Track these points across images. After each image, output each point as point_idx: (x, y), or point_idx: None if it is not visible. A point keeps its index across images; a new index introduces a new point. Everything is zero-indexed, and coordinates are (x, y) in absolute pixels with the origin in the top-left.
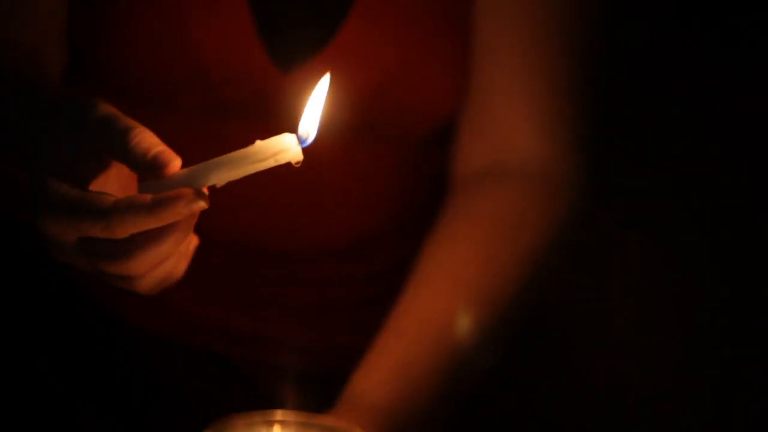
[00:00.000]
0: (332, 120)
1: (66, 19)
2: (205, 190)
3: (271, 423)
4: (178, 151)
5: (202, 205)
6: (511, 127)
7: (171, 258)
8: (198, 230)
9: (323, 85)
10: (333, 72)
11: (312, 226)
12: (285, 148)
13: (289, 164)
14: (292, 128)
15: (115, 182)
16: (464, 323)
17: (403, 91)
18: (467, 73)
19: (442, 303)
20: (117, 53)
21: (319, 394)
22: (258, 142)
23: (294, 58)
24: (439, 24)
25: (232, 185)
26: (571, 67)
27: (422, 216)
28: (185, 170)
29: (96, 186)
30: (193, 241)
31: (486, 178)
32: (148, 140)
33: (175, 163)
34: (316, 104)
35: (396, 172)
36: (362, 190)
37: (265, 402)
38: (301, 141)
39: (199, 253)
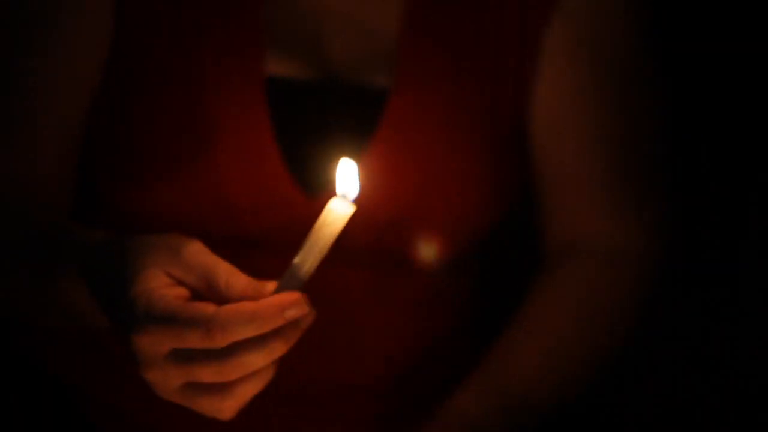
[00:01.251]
0: (359, 245)
1: (74, 153)
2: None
3: None
4: None
5: (303, 310)
6: (588, 211)
7: (264, 372)
8: None
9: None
10: (359, 195)
11: (339, 361)
12: (338, 207)
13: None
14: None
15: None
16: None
17: (428, 212)
18: (496, 189)
19: (526, 367)
20: (142, 186)
21: None
22: (317, 223)
23: (320, 185)
24: (464, 141)
25: None
26: (642, 147)
27: (451, 350)
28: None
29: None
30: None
31: (567, 259)
32: (239, 283)
33: (268, 289)
34: (344, 168)
35: (426, 305)
36: (391, 323)
37: None
38: (347, 198)
39: None
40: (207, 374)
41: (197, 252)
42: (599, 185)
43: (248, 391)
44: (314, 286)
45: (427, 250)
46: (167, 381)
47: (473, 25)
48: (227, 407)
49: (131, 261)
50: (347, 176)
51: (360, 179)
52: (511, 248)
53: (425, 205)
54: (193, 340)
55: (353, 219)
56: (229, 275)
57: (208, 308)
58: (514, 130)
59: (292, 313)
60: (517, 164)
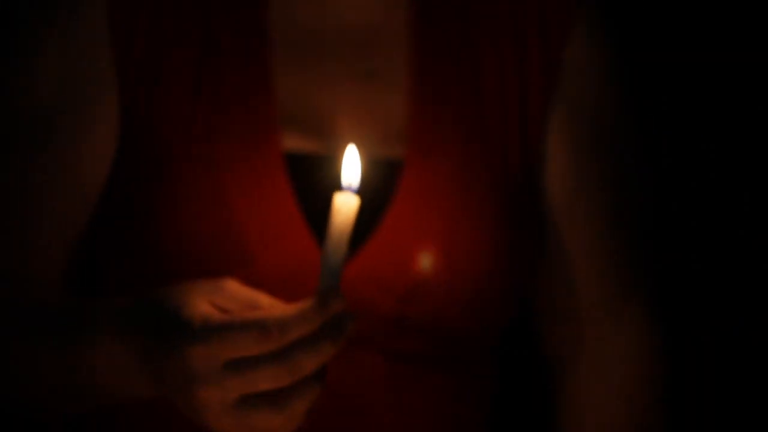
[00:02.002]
0: (378, 316)
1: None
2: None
3: None
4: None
5: (343, 302)
6: (591, 294)
7: (314, 385)
8: None
9: (351, 153)
10: (375, 263)
11: None
12: (346, 201)
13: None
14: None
15: None
16: None
17: (446, 279)
18: (513, 256)
19: None
20: (161, 272)
21: None
22: (331, 222)
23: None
24: (478, 206)
25: None
26: (639, 226)
27: None
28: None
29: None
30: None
31: (579, 363)
32: (281, 303)
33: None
34: (348, 163)
35: (445, 403)
36: (407, 420)
37: None
38: (351, 190)
39: None
40: (264, 379)
41: (237, 284)
42: (601, 267)
43: (300, 405)
44: (330, 372)
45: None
46: (224, 395)
47: (478, 94)
48: (281, 425)
49: (176, 297)
50: (350, 167)
51: (361, 169)
52: (528, 346)
53: (443, 271)
54: (250, 344)
55: (373, 288)
56: (271, 298)
57: (260, 313)
58: (524, 193)
59: (334, 306)
60: (531, 229)
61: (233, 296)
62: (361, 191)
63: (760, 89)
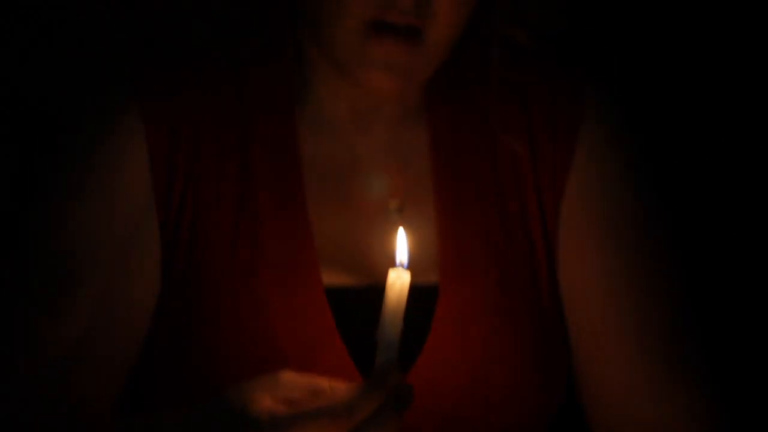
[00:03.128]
0: None
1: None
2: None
3: None
4: None
5: (401, 376)
6: (633, 396)
7: None
8: None
9: (401, 235)
10: (416, 389)
11: None
12: (399, 276)
13: None
14: None
15: None
16: None
17: (486, 400)
18: (549, 369)
19: None
20: (203, 370)
21: None
22: (386, 298)
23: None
24: (512, 324)
25: None
26: (684, 325)
27: None
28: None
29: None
30: None
31: None
32: (342, 384)
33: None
34: (400, 243)
35: None
36: None
37: None
38: (403, 267)
39: None
40: None
41: (293, 374)
42: (640, 367)
43: None
44: None
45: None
46: None
47: (501, 211)
48: None
49: (240, 397)
50: (401, 246)
51: (410, 251)
52: None
53: (482, 393)
54: (336, 423)
55: (415, 413)
56: (331, 381)
57: (325, 400)
58: (554, 303)
59: (394, 379)
60: (563, 337)
61: (293, 386)
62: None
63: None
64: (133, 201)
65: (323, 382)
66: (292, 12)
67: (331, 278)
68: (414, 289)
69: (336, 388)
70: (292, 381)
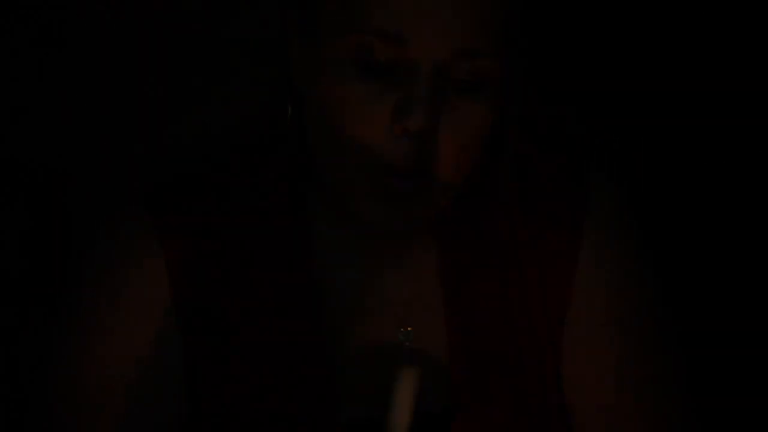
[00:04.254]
0: None
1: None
2: None
3: None
4: None
5: None
6: None
7: None
8: None
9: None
10: None
11: None
12: (408, 371)
13: None
14: None
15: None
16: None
17: None
18: None
19: None
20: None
21: None
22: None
23: None
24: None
25: None
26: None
27: None
28: None
29: None
30: None
31: None
32: None
33: None
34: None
35: None
36: None
37: None
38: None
39: None
40: None
41: None
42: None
43: None
44: None
45: None
46: None
47: (511, 329)
48: None
49: None
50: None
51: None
52: None
53: None
54: None
55: None
56: None
57: None
58: (563, 413)
59: None
60: None
61: None
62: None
63: None
64: (155, 323)
65: None
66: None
67: (352, 413)
68: (427, 416)
69: None
70: None
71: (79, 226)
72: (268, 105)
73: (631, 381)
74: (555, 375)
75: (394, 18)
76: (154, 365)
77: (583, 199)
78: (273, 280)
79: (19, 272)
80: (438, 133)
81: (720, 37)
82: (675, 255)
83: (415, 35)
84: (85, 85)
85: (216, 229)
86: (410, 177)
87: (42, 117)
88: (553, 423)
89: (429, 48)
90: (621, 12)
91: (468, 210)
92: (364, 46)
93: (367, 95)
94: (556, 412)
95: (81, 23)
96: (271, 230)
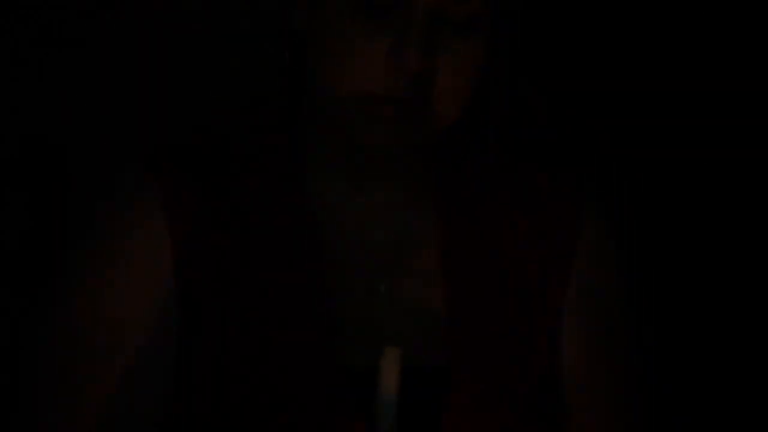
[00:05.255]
0: None
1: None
2: None
3: None
4: None
5: None
6: None
7: None
8: None
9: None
10: None
11: None
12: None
13: None
14: None
15: None
16: None
17: None
18: None
19: None
20: None
21: None
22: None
23: None
24: (523, 408)
25: None
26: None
27: None
28: None
29: None
30: None
31: None
32: None
33: None
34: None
35: None
36: None
37: None
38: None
39: None
40: None
41: None
42: None
43: None
44: None
45: None
46: None
47: (505, 291)
48: None
49: None
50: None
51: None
52: None
53: None
54: None
55: None
56: None
57: None
58: (553, 383)
59: None
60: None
61: None
62: (410, 400)
63: None
64: (154, 276)
65: None
66: (299, 86)
67: (346, 358)
68: (421, 372)
69: None
70: None
71: (79, 193)
72: (266, 55)
73: (621, 365)
74: (549, 337)
75: None
76: (151, 326)
77: (582, 200)
78: (276, 237)
79: (20, 244)
80: (432, 72)
81: (720, 37)
82: (675, 255)
83: None
84: (85, 85)
85: (217, 188)
86: (408, 103)
87: (44, 96)
88: (547, 382)
89: None
90: (621, 12)
91: (464, 154)
92: None
93: (364, 34)
94: (549, 371)
95: (81, 23)
96: (272, 182)
